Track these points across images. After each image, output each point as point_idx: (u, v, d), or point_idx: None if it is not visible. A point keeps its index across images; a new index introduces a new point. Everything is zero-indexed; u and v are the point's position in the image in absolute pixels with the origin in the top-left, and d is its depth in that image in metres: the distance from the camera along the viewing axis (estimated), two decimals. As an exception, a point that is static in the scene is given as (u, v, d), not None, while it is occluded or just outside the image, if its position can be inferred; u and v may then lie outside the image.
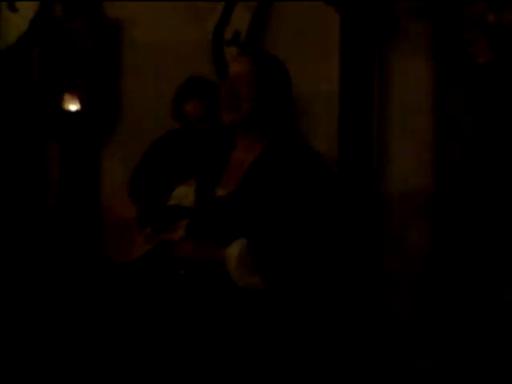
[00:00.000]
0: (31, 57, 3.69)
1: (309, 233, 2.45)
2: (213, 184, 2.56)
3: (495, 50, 3.02)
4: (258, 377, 2.44)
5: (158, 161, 3.03)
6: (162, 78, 3.50)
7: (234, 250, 2.43)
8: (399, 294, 3.24)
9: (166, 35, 3.55)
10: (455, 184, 3.16)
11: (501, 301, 3.07)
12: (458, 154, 3.15)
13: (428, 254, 3.20)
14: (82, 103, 3.58)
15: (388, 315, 3.24)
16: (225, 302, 2.46)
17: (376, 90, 3.22)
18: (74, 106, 3.59)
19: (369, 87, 3.19)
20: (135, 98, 3.63)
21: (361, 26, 3.17)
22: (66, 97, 3.59)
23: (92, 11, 3.63)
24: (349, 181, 3.20)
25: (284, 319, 2.47)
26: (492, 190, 3.10)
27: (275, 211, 2.45)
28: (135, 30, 3.62)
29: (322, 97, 3.34)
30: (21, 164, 3.74)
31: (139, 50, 3.61)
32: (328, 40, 3.28)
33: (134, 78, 3.63)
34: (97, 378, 2.99)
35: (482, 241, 3.10)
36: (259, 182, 2.47)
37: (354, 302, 3.20)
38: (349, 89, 3.20)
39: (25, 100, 3.72)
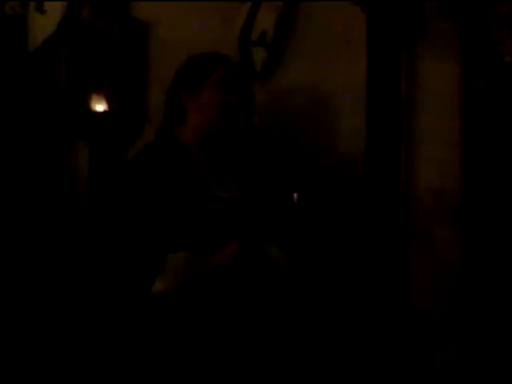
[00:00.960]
0: (59, 58, 3.72)
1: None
2: (205, 186, 2.61)
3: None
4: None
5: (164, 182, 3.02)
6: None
7: (273, 250, 2.49)
8: (426, 300, 3.22)
9: (192, 36, 3.55)
10: (483, 188, 3.14)
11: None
12: (487, 156, 3.13)
13: (456, 260, 3.18)
14: (109, 104, 3.60)
15: (415, 321, 3.23)
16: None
17: (403, 90, 3.21)
18: (101, 107, 3.61)
19: (396, 87, 3.18)
20: (162, 99, 3.63)
21: (387, 25, 3.17)
22: (93, 97, 3.61)
23: (119, 12, 3.65)
24: (376, 185, 3.19)
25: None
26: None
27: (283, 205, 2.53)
28: (162, 30, 3.63)
29: (348, 96, 3.34)
30: (51, 162, 3.77)
31: (166, 51, 3.61)
32: (355, 40, 3.27)
33: (161, 79, 3.63)
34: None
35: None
36: (259, 180, 2.53)
37: (380, 306, 3.19)
38: (376, 89, 3.20)
39: (53, 101, 3.75)
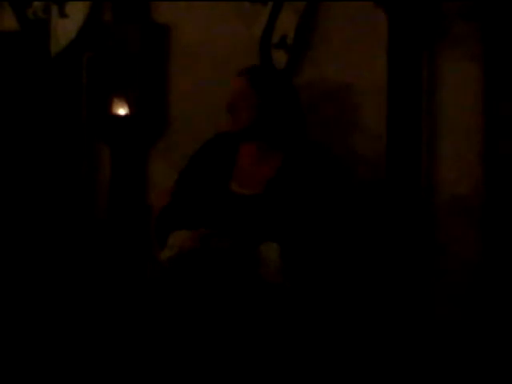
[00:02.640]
0: (81, 62, 3.74)
1: (336, 239, 2.55)
2: (225, 180, 2.77)
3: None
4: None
5: (199, 163, 3.04)
6: (209, 82, 3.51)
7: (272, 254, 2.50)
8: (447, 305, 3.19)
9: (213, 39, 3.56)
10: (506, 188, 3.10)
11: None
12: (510, 156, 3.09)
13: (477, 263, 3.14)
14: (130, 107, 3.61)
15: (435, 326, 3.20)
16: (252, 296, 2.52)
17: (424, 91, 3.18)
18: (122, 110, 3.62)
19: (417, 89, 3.16)
20: (183, 102, 3.64)
21: (409, 27, 3.14)
22: (115, 101, 3.62)
23: (141, 16, 3.66)
24: (397, 188, 3.17)
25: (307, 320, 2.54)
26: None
27: (305, 216, 2.57)
28: (183, 33, 3.63)
29: (369, 98, 3.32)
30: (72, 165, 3.79)
31: (187, 54, 3.62)
32: (376, 41, 3.25)
33: (182, 82, 3.64)
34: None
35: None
36: (287, 186, 2.72)
37: (402, 311, 3.17)
38: (397, 92, 3.18)
39: (75, 105, 3.77)
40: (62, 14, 3.68)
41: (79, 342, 3.58)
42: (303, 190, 2.73)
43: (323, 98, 3.42)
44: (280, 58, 3.44)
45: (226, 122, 2.93)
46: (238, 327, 2.58)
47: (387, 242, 3.21)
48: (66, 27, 3.70)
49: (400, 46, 3.15)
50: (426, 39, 3.16)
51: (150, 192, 3.67)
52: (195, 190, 2.89)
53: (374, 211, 3.24)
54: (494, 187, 3.12)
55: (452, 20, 3.12)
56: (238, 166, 2.90)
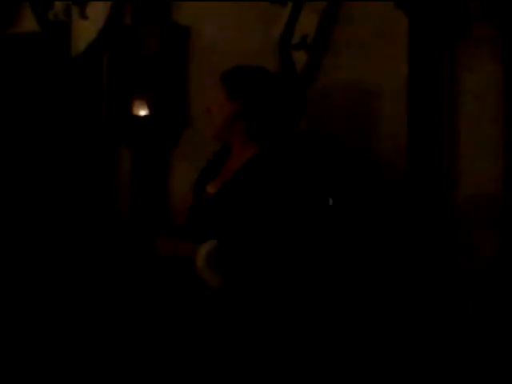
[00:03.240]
0: (101, 63, 3.75)
1: (279, 241, 2.53)
2: (205, 182, 2.82)
3: None
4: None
5: (205, 166, 3.05)
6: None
7: (204, 248, 2.52)
8: (469, 306, 3.18)
9: (232, 40, 3.56)
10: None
11: None
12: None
13: (499, 263, 3.13)
14: (150, 108, 3.62)
15: (455, 325, 3.19)
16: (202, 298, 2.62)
17: (446, 92, 3.18)
18: (143, 111, 3.63)
19: (438, 90, 3.15)
20: (203, 102, 3.64)
21: (430, 27, 3.13)
22: (135, 102, 3.64)
23: (161, 17, 3.67)
24: (418, 190, 3.16)
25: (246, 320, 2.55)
26: None
27: (250, 215, 2.59)
28: (202, 34, 3.64)
29: (389, 98, 3.31)
30: (93, 166, 3.81)
31: (206, 55, 3.63)
32: (397, 41, 3.25)
33: (202, 83, 3.64)
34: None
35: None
36: (241, 184, 2.69)
37: (420, 310, 3.16)
38: (418, 93, 3.17)
39: (95, 106, 3.78)
40: (83, 16, 3.70)
41: (105, 337, 3.61)
42: (252, 191, 2.68)
43: (343, 98, 3.42)
44: (300, 58, 3.44)
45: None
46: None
47: (406, 242, 3.20)
48: (87, 29, 3.71)
49: (421, 47, 3.15)
50: (447, 40, 3.15)
51: (171, 192, 3.69)
52: (193, 194, 2.93)
53: (395, 210, 3.24)
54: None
55: (473, 21, 3.11)
56: (225, 166, 2.87)
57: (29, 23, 3.87)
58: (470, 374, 3.14)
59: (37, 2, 3.79)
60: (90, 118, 3.78)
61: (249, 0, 3.51)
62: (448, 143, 3.20)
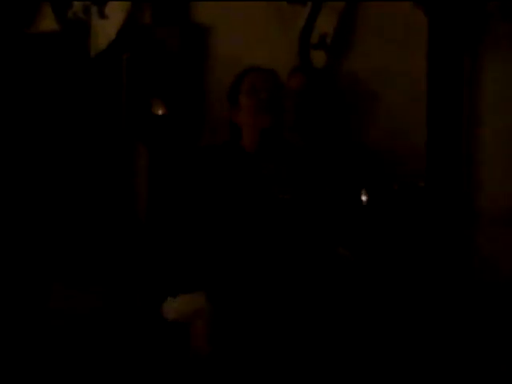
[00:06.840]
0: (120, 63, 3.76)
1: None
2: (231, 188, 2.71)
3: None
4: None
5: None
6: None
7: None
8: (487, 319, 3.15)
9: (251, 40, 3.56)
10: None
11: None
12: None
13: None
14: (168, 108, 3.62)
15: (475, 329, 3.17)
16: None
17: (466, 93, 3.16)
18: (161, 111, 3.63)
19: (458, 92, 3.13)
20: (221, 102, 3.64)
21: (450, 27, 3.12)
22: (154, 101, 3.64)
23: (180, 17, 3.68)
24: (438, 199, 3.14)
25: None
26: None
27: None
28: (221, 34, 3.65)
29: (408, 99, 3.31)
30: (112, 164, 3.82)
31: (225, 55, 3.63)
32: (416, 41, 3.24)
33: (220, 83, 3.64)
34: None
35: None
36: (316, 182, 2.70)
37: (440, 313, 3.15)
38: (437, 94, 3.15)
39: (114, 105, 3.79)
40: (102, 15, 3.71)
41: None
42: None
43: (361, 97, 3.42)
44: (319, 57, 3.44)
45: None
46: None
47: (425, 250, 3.18)
48: (106, 28, 3.72)
49: (440, 47, 3.13)
50: (468, 40, 3.13)
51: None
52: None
53: (413, 216, 3.21)
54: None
55: (494, 21, 3.09)
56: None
57: (48, 22, 3.88)
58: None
59: (56, 1, 3.80)
60: (109, 116, 3.79)
61: (266, 0, 3.50)
62: (468, 146, 3.18)
